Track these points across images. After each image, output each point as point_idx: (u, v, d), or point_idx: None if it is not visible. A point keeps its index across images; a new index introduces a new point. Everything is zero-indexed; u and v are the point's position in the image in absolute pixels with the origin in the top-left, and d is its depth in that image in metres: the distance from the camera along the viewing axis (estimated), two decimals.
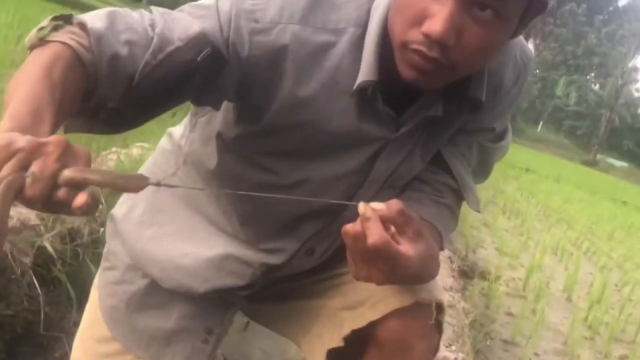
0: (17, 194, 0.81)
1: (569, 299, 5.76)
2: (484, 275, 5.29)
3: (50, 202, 0.81)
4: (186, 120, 1.43)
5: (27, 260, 2.21)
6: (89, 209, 0.84)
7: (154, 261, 1.38)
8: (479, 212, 1.42)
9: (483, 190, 11.05)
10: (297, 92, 1.15)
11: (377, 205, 1.01)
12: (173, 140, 1.46)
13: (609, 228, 11.86)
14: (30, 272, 2.21)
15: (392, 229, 1.04)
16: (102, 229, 2.58)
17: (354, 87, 1.15)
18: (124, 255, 1.43)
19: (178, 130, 1.48)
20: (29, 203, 0.81)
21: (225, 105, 1.22)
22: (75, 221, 2.59)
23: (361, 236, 1.01)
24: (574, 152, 61.62)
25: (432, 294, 1.28)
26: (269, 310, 1.53)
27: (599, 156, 60.60)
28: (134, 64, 1.01)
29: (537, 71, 73.98)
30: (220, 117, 1.25)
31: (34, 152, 0.80)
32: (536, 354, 4.12)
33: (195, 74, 1.07)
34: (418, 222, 1.06)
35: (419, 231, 1.05)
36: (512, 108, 1.40)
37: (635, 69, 65.03)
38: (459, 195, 1.36)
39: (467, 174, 1.35)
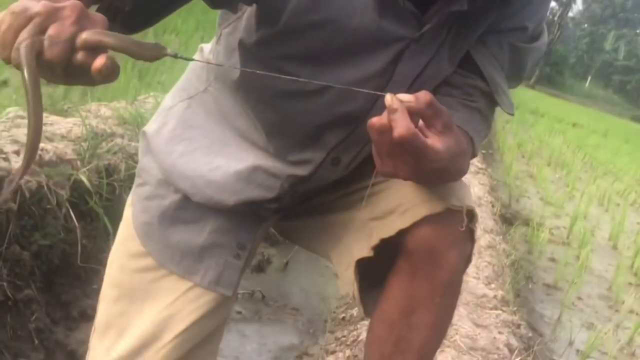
0: (38, 56, 0.81)
1: (614, 247, 5.68)
2: (526, 222, 5.23)
3: (69, 66, 0.82)
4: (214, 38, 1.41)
5: (64, 193, 2.22)
6: (109, 73, 0.83)
7: (185, 176, 1.37)
8: (512, 115, 1.35)
9: (528, 142, 10.93)
10: None
11: (405, 97, 0.97)
12: (203, 56, 1.45)
13: None
14: (67, 204, 2.23)
15: (420, 122, 1.00)
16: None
17: None
18: (155, 170, 1.42)
19: (208, 45, 1.46)
20: (49, 68, 0.82)
21: (246, 12, 1.20)
22: (112, 158, 2.60)
23: (387, 128, 0.97)
24: (623, 108, 60.38)
25: (463, 201, 1.24)
26: (300, 226, 1.52)
27: None
28: None
29: (586, 25, 72.52)
30: (241, 25, 1.23)
31: (51, 16, 0.81)
32: (579, 298, 4.08)
33: None
34: (447, 115, 1.01)
35: (448, 124, 1.01)
36: (547, 5, 1.33)
37: None
38: (491, 98, 1.31)
39: (500, 77, 1.30)
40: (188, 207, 1.40)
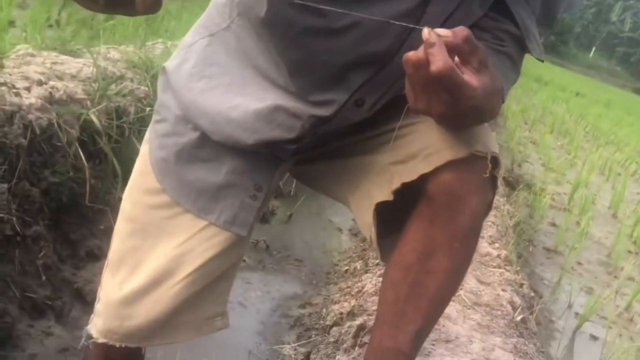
0: None
1: (614, 216, 5.71)
2: (529, 187, 5.23)
3: None
4: None
5: (74, 132, 2.21)
6: (154, 3, 0.82)
7: (204, 113, 1.35)
8: (542, 61, 1.34)
9: (531, 109, 10.91)
10: None
11: (443, 31, 0.96)
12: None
13: None
14: (76, 143, 2.22)
15: (457, 58, 0.99)
16: (148, 109, 2.58)
17: None
18: (174, 107, 1.40)
19: None
20: None
21: None
22: (122, 100, 2.59)
23: (424, 63, 0.96)
24: (626, 80, 60.13)
25: (487, 147, 1.22)
26: (318, 170, 1.50)
27: None
28: None
29: None
30: None
31: None
32: (579, 263, 4.10)
33: None
34: (483, 52, 1.00)
35: (484, 62, 1.00)
36: None
37: None
38: (521, 43, 1.28)
39: (531, 21, 1.27)
40: (206, 145, 1.38)
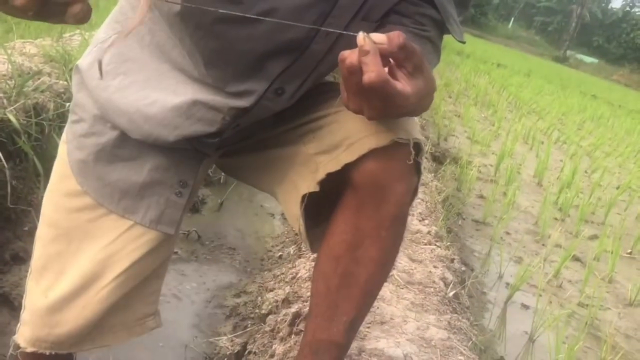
0: None
1: (539, 184, 5.83)
2: (455, 161, 5.31)
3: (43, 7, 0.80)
4: None
5: None
6: (84, 16, 0.81)
7: (122, 111, 1.32)
8: (464, 42, 1.35)
9: (454, 83, 11.05)
10: None
11: (378, 37, 0.94)
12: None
13: (579, 119, 11.98)
14: None
15: (392, 61, 0.98)
16: (67, 104, 2.51)
17: None
18: (91, 106, 1.36)
19: None
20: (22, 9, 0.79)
21: None
22: (40, 96, 2.51)
23: (357, 69, 0.95)
24: (545, 49, 61.44)
25: (410, 134, 1.22)
26: (244, 162, 1.49)
27: (569, 52, 60.47)
28: None
29: None
30: None
31: None
32: (507, 233, 4.19)
33: None
34: (419, 56, 0.98)
35: (419, 66, 0.99)
36: None
37: None
38: (440, 27, 1.29)
39: (450, 4, 1.29)
40: (126, 144, 1.36)
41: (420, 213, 3.06)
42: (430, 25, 1.27)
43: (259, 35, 1.18)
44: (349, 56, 0.95)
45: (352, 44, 1.22)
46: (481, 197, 4.80)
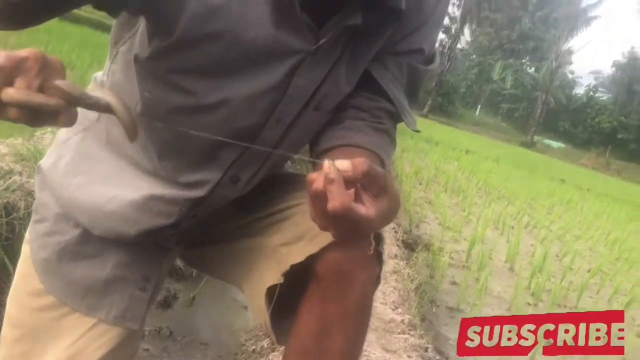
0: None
1: (511, 269, 5.86)
2: (427, 247, 5.34)
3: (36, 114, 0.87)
4: (107, 59, 1.39)
5: None
6: (70, 122, 0.90)
7: (83, 209, 1.34)
8: (418, 131, 1.40)
9: (424, 170, 11.17)
10: None
11: (343, 165, 0.97)
12: (96, 83, 1.42)
13: (548, 203, 12.11)
14: None
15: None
16: None
17: None
18: (53, 205, 1.38)
19: (100, 73, 1.44)
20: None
21: (140, 27, 1.19)
22: (10, 196, 2.52)
23: (322, 195, 0.97)
24: (512, 134, 62.49)
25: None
26: (207, 254, 1.50)
27: (536, 137, 61.53)
28: None
29: (474, 56, 74.88)
30: (137, 39, 1.22)
31: (15, 68, 0.86)
32: None
33: None
34: (384, 178, 1.01)
35: (383, 187, 1.01)
36: (439, 28, 1.39)
37: (568, 52, 65.91)
38: (395, 118, 1.35)
39: (402, 96, 1.34)
40: (89, 241, 1.37)
41: (393, 301, 3.06)
42: (386, 118, 1.32)
43: (212, 124, 1.22)
44: (316, 181, 0.97)
45: (303, 131, 1.27)
46: (454, 283, 4.80)
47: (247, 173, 1.31)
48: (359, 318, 1.27)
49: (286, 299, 1.32)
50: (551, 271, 5.80)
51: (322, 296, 1.24)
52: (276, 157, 1.32)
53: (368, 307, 1.30)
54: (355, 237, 1.03)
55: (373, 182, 0.99)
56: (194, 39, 1.12)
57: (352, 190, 0.98)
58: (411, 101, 1.40)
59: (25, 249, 1.42)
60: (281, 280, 1.28)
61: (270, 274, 1.31)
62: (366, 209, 0.99)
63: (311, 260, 1.24)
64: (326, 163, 0.97)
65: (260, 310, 1.32)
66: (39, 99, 0.87)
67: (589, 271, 6.42)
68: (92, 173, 1.35)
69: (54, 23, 12.87)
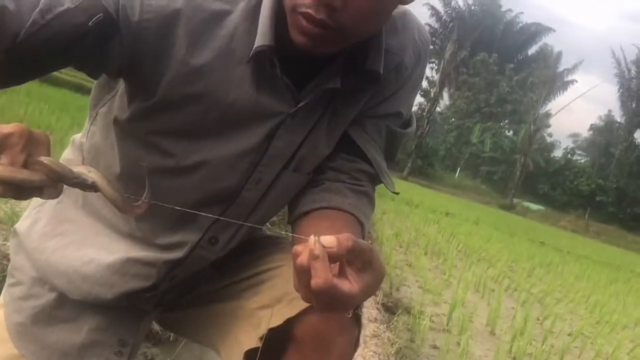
0: None
1: (492, 333, 5.81)
2: (408, 311, 5.30)
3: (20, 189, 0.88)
4: (87, 121, 1.40)
5: None
6: (56, 195, 0.92)
7: (60, 272, 1.33)
8: (397, 193, 1.43)
9: (405, 232, 11.18)
10: (190, 60, 1.12)
11: (328, 241, 0.96)
12: (74, 145, 1.42)
13: (529, 266, 12.11)
14: None
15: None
16: None
17: (250, 54, 1.14)
18: (29, 269, 1.37)
19: (79, 135, 1.45)
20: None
21: (122, 88, 1.20)
22: None
23: (307, 270, 0.97)
24: (491, 197, 62.91)
25: None
26: (184, 317, 1.49)
27: (515, 200, 61.97)
28: (20, 21, 0.99)
29: (453, 119, 75.83)
30: (117, 101, 1.23)
31: (0, 145, 0.87)
32: None
33: (85, 39, 1.04)
34: (369, 253, 1.00)
35: (368, 261, 1.00)
36: (416, 92, 1.42)
37: (546, 115, 67.01)
38: (374, 180, 1.37)
39: (381, 159, 1.36)
40: (64, 305, 1.36)
41: None
42: (366, 180, 1.34)
43: (192, 185, 1.22)
44: (301, 255, 0.97)
45: (282, 192, 1.28)
46: (435, 347, 4.75)
47: (226, 234, 1.32)
48: None
49: None
50: (532, 334, 5.77)
51: None
52: (256, 219, 1.33)
53: None
54: (338, 310, 1.02)
55: (358, 257, 0.99)
56: (174, 100, 1.14)
57: (336, 265, 0.98)
58: (390, 163, 1.42)
59: None
60: (259, 344, 1.27)
61: (248, 337, 1.30)
62: (350, 284, 0.98)
63: (289, 323, 1.23)
64: (311, 239, 0.96)
65: None
66: (22, 175, 0.88)
67: (570, 334, 6.40)
68: (68, 236, 1.35)
69: (34, 85, 12.91)
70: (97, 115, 1.32)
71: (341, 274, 0.99)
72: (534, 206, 64.27)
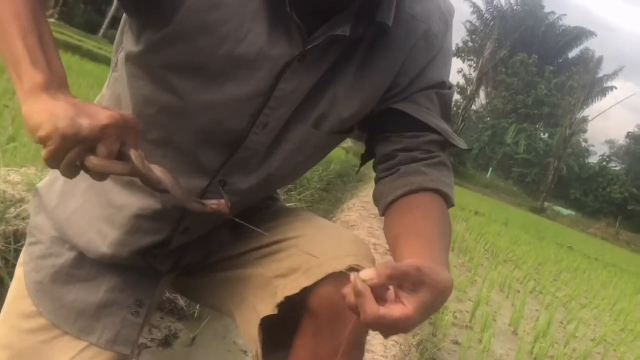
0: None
1: (514, 332, 5.80)
2: None
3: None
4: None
5: None
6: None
7: (79, 232, 1.36)
8: (470, 149, 1.46)
9: None
10: None
11: (367, 275, 0.96)
12: (101, 98, 1.44)
13: (555, 270, 12.03)
14: None
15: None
16: None
17: None
18: (49, 228, 1.40)
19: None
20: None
21: (136, 22, 1.23)
22: (20, 223, 2.54)
23: (355, 309, 0.98)
24: (522, 199, 62.49)
25: (366, 259, 1.27)
26: (201, 283, 1.51)
27: (546, 204, 61.56)
28: None
29: (488, 118, 75.28)
30: (129, 37, 1.25)
31: (97, 138, 0.99)
32: None
33: None
34: (416, 272, 0.99)
35: (419, 280, 0.99)
36: (450, 60, 1.43)
37: (583, 120, 66.31)
38: (444, 146, 1.38)
39: (442, 122, 1.36)
40: (83, 265, 1.39)
41: (394, 355, 3.05)
42: (437, 149, 1.35)
43: (200, 126, 1.24)
44: (347, 297, 0.98)
45: (301, 149, 1.28)
46: (456, 342, 4.76)
47: (235, 179, 1.32)
48: (352, 355, 1.28)
49: (280, 331, 1.33)
50: (555, 337, 5.75)
51: (315, 332, 1.26)
52: (271, 171, 1.34)
53: (361, 345, 1.30)
54: (401, 332, 1.03)
55: (404, 280, 0.99)
56: (188, 29, 1.16)
57: (390, 292, 0.99)
58: (449, 123, 1.43)
59: (19, 271, 1.44)
60: (275, 312, 1.29)
61: (264, 305, 1.32)
62: (402, 308, 0.98)
63: (305, 293, 1.25)
64: (352, 277, 0.97)
65: (252, 340, 1.33)
66: (116, 168, 1.02)
67: (592, 340, 6.36)
68: (86, 194, 1.38)
69: (73, 60, 13.04)
70: (117, 62, 1.34)
71: (396, 299, 0.99)
72: (565, 211, 63.75)
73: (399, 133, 1.36)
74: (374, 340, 3.29)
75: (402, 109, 1.34)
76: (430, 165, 1.33)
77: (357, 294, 0.96)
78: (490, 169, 72.54)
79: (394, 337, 3.27)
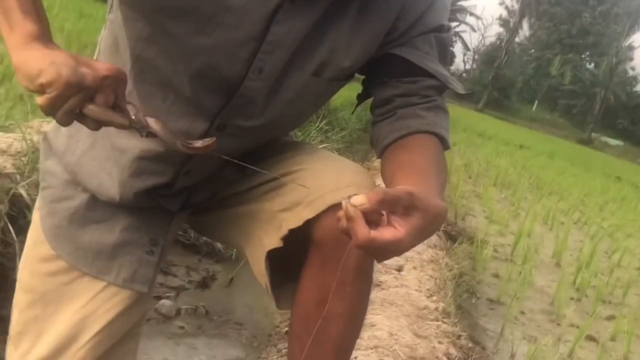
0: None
1: (557, 264, 5.78)
2: (471, 240, 5.29)
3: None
4: None
5: (2, 207, 2.21)
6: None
7: (90, 174, 1.38)
8: (464, 93, 1.45)
9: (475, 163, 11.08)
10: None
11: (358, 200, 0.98)
12: (101, 39, 1.45)
13: (601, 200, 11.92)
14: (5, 218, 2.21)
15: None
16: None
17: None
18: (61, 172, 1.42)
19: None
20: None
21: None
22: None
23: (348, 233, 0.99)
24: (569, 131, 61.61)
25: (368, 189, 1.27)
26: (212, 220, 1.53)
27: (593, 134, 60.62)
28: None
29: (532, 50, 73.96)
30: None
31: (98, 87, 1.04)
32: (522, 312, 4.14)
33: None
34: (408, 196, 1.00)
35: (411, 204, 1.00)
36: (449, 3, 1.41)
37: (629, 48, 64.66)
38: (441, 90, 1.38)
39: (440, 67, 1.36)
40: (97, 206, 1.41)
41: (428, 289, 3.07)
42: (434, 94, 1.37)
43: (196, 71, 1.24)
44: (340, 221, 1.00)
45: (302, 96, 1.28)
46: (496, 276, 4.77)
47: (235, 122, 1.33)
48: (359, 283, 1.29)
49: (288, 265, 1.35)
50: (599, 267, 5.72)
51: (321, 262, 1.27)
52: (272, 118, 1.34)
53: (367, 272, 1.31)
54: (394, 256, 1.05)
55: (395, 204, 1.00)
56: None
57: (383, 217, 1.00)
58: (447, 66, 1.42)
59: (35, 216, 1.47)
60: (280, 245, 1.31)
61: (270, 238, 1.33)
62: (393, 231, 1.00)
63: (310, 225, 1.26)
64: (343, 202, 0.99)
65: (261, 273, 1.35)
66: (112, 117, 1.07)
67: (638, 268, 6.32)
68: (92, 136, 1.39)
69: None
70: (112, 3, 1.34)
71: (389, 223, 1.00)
72: (613, 141, 62.74)
73: (397, 78, 1.36)
74: (409, 275, 3.32)
75: (401, 54, 1.33)
76: (427, 109, 1.34)
77: (349, 218, 0.97)
78: (536, 102, 71.54)
79: (429, 272, 3.29)
